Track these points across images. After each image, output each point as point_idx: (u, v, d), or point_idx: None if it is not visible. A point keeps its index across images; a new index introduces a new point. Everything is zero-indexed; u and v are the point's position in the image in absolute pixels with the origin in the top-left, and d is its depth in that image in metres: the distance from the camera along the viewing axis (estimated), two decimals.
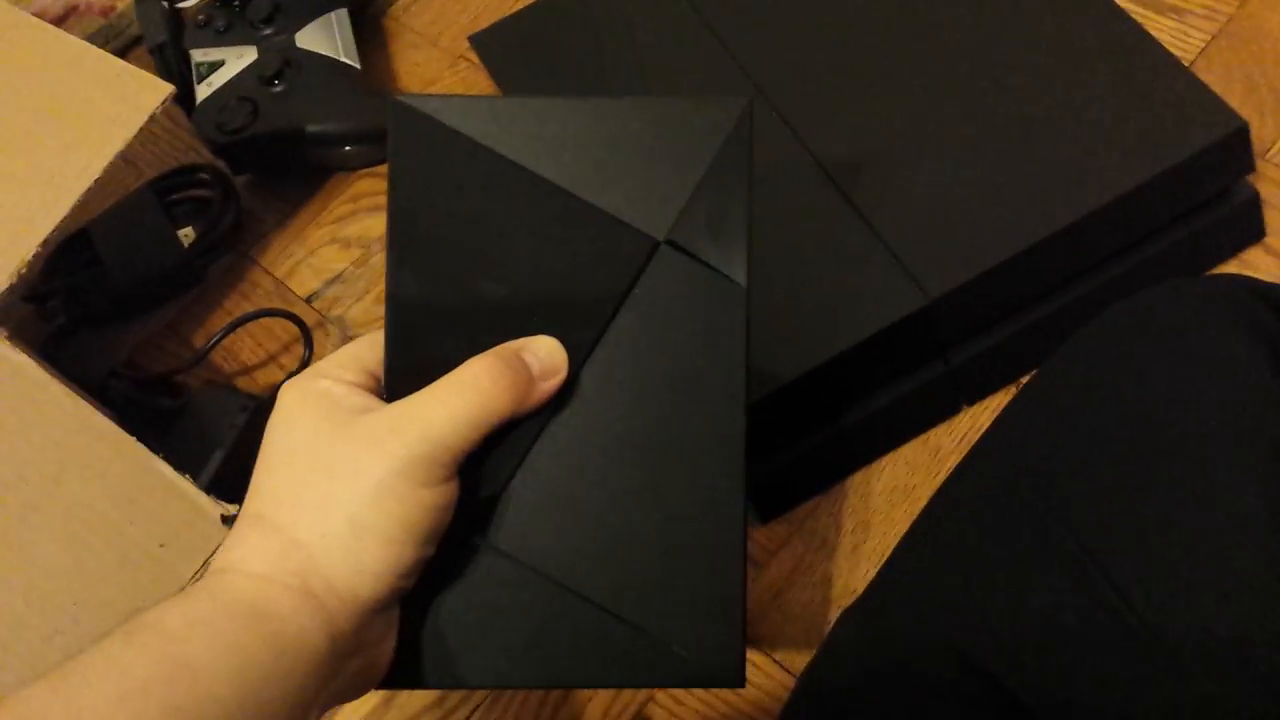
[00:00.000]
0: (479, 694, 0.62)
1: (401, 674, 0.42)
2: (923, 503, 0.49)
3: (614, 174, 0.43)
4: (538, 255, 0.43)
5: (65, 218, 0.62)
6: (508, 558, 0.42)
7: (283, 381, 0.71)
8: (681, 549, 0.42)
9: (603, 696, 0.60)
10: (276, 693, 0.36)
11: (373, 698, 0.62)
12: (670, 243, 0.43)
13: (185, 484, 0.60)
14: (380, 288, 0.78)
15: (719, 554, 0.42)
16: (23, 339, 0.63)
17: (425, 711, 0.62)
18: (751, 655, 0.60)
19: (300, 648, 0.37)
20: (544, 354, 0.42)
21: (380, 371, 0.43)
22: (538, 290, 0.43)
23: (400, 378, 0.42)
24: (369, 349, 0.43)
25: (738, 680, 0.42)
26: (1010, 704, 0.41)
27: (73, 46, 0.69)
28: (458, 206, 0.43)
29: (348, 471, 0.38)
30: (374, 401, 0.41)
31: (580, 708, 0.60)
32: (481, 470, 0.42)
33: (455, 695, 0.62)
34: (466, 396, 0.40)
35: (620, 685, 0.45)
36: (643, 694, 0.60)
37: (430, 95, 0.45)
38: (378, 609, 0.39)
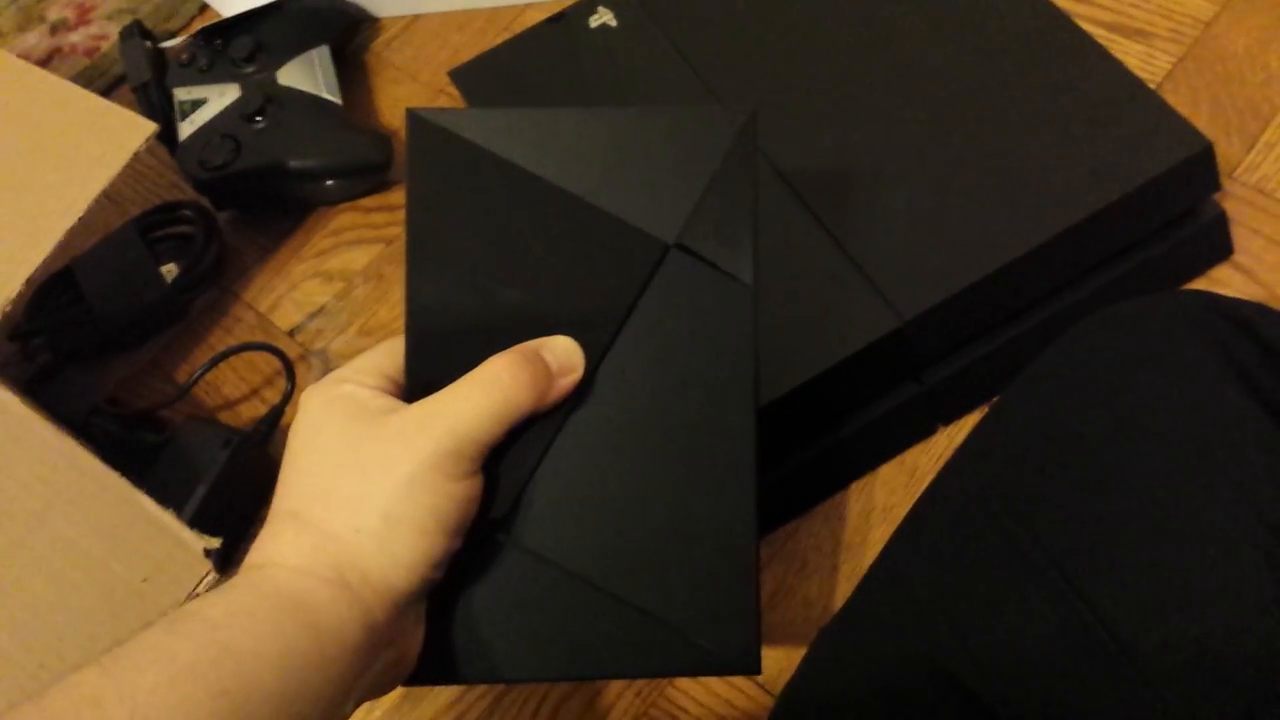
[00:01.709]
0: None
1: (428, 670, 0.43)
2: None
3: (624, 180, 0.45)
4: (552, 260, 0.45)
5: (49, 256, 0.62)
6: (529, 552, 0.43)
7: (279, 406, 0.72)
8: (696, 540, 0.44)
9: (602, 703, 0.61)
10: (317, 679, 0.37)
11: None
12: (680, 246, 0.45)
13: (169, 519, 0.60)
14: (362, 320, 0.78)
15: (732, 544, 0.44)
16: (7, 376, 0.64)
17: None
18: (732, 677, 0.60)
19: (339, 637, 0.38)
20: (561, 352, 0.44)
21: (400, 377, 0.45)
22: (553, 294, 0.45)
23: (421, 381, 0.43)
24: (388, 356, 0.45)
25: (754, 667, 0.43)
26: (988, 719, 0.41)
27: (56, 86, 0.70)
28: (474, 215, 0.45)
29: (379, 467, 0.40)
30: (397, 403, 0.42)
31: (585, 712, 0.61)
32: (503, 466, 0.43)
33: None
34: (490, 392, 0.41)
35: (641, 675, 0.46)
36: (640, 701, 0.60)
37: (446, 109, 0.47)
38: (411, 599, 0.41)
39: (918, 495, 0.63)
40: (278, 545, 0.40)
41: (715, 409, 0.44)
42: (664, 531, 0.44)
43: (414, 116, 0.45)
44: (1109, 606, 0.39)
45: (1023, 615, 0.41)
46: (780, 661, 0.60)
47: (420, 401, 0.41)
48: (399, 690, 0.49)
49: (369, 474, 0.40)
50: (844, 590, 0.62)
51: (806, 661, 0.49)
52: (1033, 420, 0.45)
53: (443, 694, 0.64)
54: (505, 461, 0.43)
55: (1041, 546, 0.42)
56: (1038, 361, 0.47)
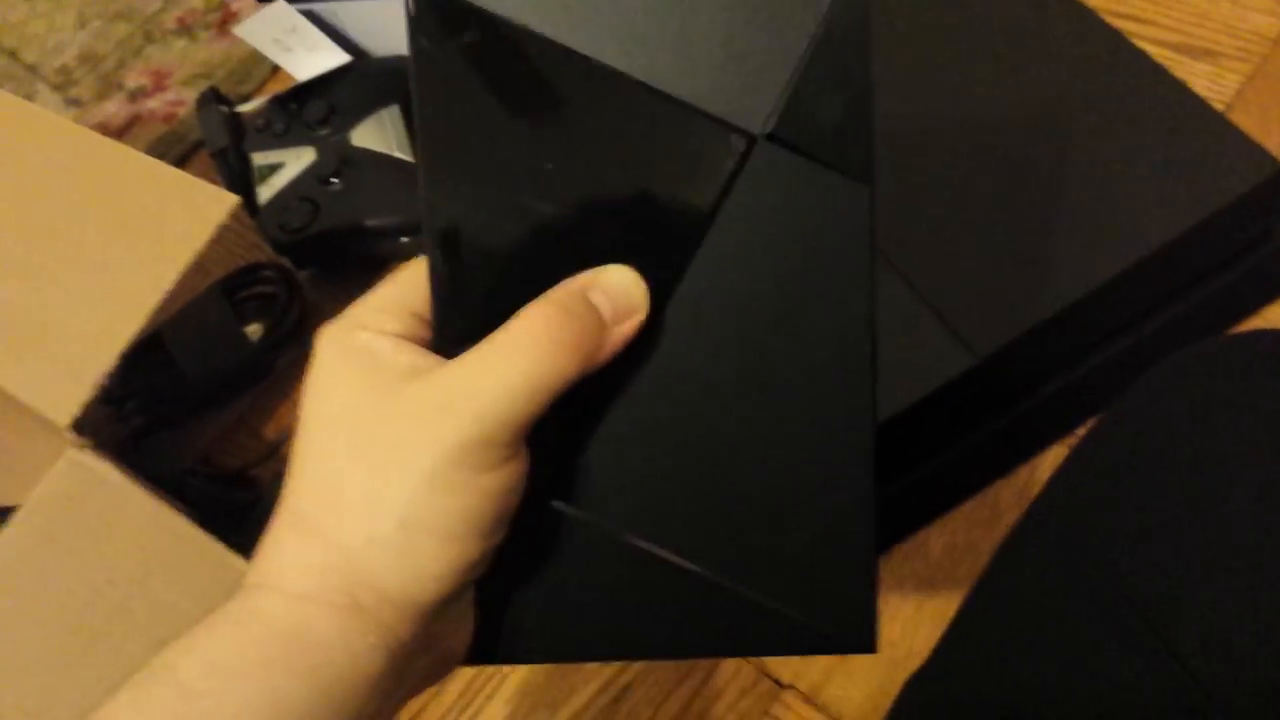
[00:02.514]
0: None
1: (486, 650, 0.37)
2: (984, 559, 0.49)
3: (691, 54, 0.35)
4: (603, 163, 0.35)
5: (140, 330, 0.65)
6: (595, 524, 0.36)
7: None
8: (799, 503, 0.36)
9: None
10: None
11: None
12: (772, 136, 0.35)
13: None
14: None
15: (845, 509, 0.36)
16: (102, 441, 0.66)
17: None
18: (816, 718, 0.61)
19: (352, 677, 0.32)
20: (617, 289, 0.35)
21: (427, 313, 0.36)
22: (606, 208, 0.35)
23: (450, 328, 0.35)
24: (412, 287, 0.36)
25: (870, 645, 0.37)
26: None
27: (140, 162, 0.72)
28: (502, 109, 0.35)
29: (394, 460, 0.33)
30: (421, 356, 0.35)
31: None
32: (555, 430, 0.35)
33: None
34: (524, 360, 0.33)
35: (741, 654, 0.40)
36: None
37: None
38: (442, 609, 0.34)
39: (999, 530, 0.64)
40: (279, 561, 0.34)
41: (820, 349, 0.36)
42: (758, 496, 0.36)
43: None
44: (1192, 651, 0.39)
45: (1102, 659, 0.41)
46: (865, 705, 0.60)
47: (443, 372, 0.34)
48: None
49: (384, 467, 0.33)
50: (928, 631, 0.62)
51: (895, 712, 0.49)
52: (1113, 470, 0.45)
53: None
54: (557, 424, 0.35)
55: (1123, 592, 0.41)
56: (1115, 407, 0.47)
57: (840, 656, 0.62)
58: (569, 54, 0.35)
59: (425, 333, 0.36)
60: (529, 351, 0.33)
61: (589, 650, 0.37)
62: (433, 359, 0.35)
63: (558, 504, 0.36)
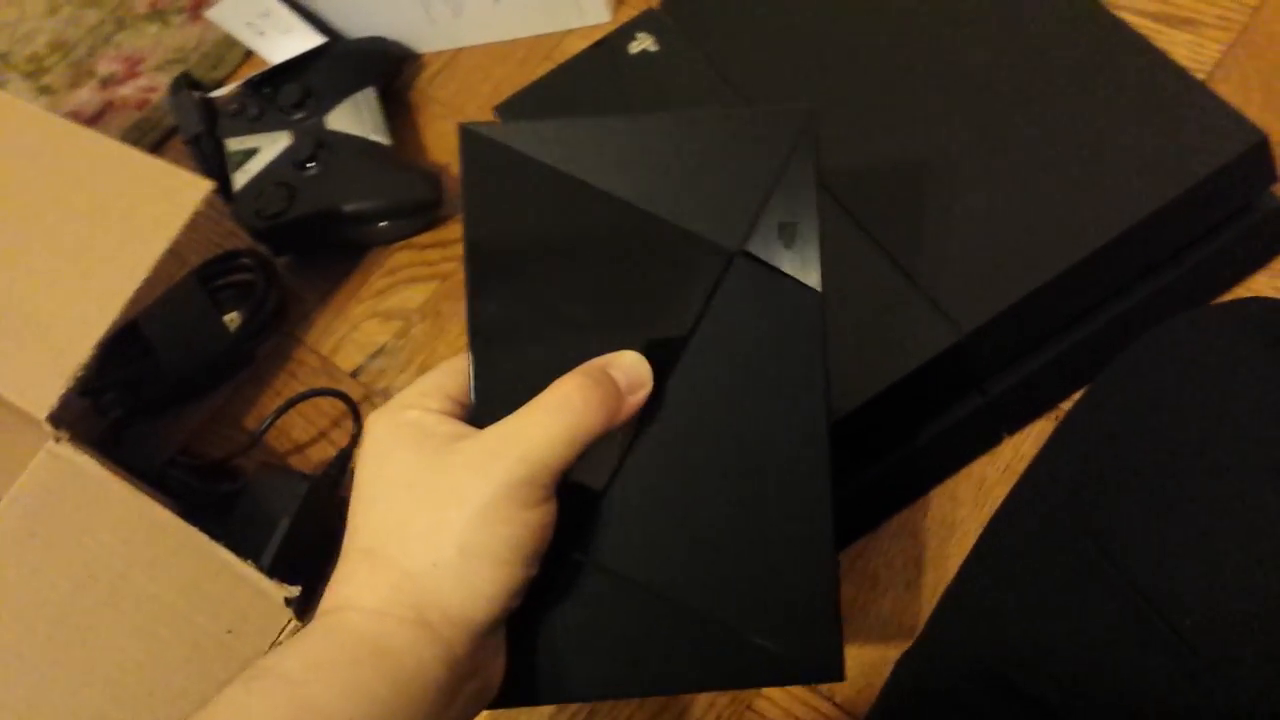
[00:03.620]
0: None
1: (515, 692, 0.43)
2: (972, 535, 0.49)
3: (683, 187, 0.44)
4: (615, 272, 0.44)
5: (116, 320, 0.64)
6: (606, 571, 0.43)
7: (347, 449, 0.73)
8: (774, 550, 0.43)
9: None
10: None
11: None
12: (745, 253, 0.44)
13: (248, 569, 0.61)
14: (423, 357, 0.79)
15: (810, 553, 0.43)
16: (81, 433, 0.65)
17: None
18: (812, 699, 0.60)
19: (421, 681, 0.38)
20: (630, 368, 0.43)
21: (463, 397, 0.44)
22: (618, 307, 0.44)
23: (488, 403, 0.43)
24: (451, 376, 0.44)
25: (838, 674, 0.43)
26: None
27: (112, 149, 0.71)
28: (532, 230, 0.44)
29: (453, 499, 0.39)
30: (463, 428, 0.42)
31: None
32: (576, 486, 0.43)
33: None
34: (560, 416, 0.40)
35: (724, 687, 0.47)
36: None
37: (498, 124, 0.46)
38: (490, 629, 0.40)
39: (987, 506, 0.64)
40: (354, 587, 0.40)
41: (787, 417, 0.43)
42: (739, 542, 0.43)
43: (466, 131, 0.44)
44: (1183, 615, 0.39)
45: (1092, 625, 0.41)
46: (858, 683, 0.60)
47: (490, 428, 0.41)
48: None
49: (443, 506, 0.39)
50: (919, 606, 0.62)
51: (888, 690, 0.49)
52: (1101, 441, 0.45)
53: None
54: (578, 480, 0.43)
55: (1113, 559, 0.41)
56: (1102, 377, 0.47)
57: None
58: (591, 189, 0.44)
59: (461, 412, 0.43)
60: (565, 408, 0.40)
61: (598, 689, 0.44)
62: (473, 429, 0.41)
63: (569, 551, 0.43)
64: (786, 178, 0.44)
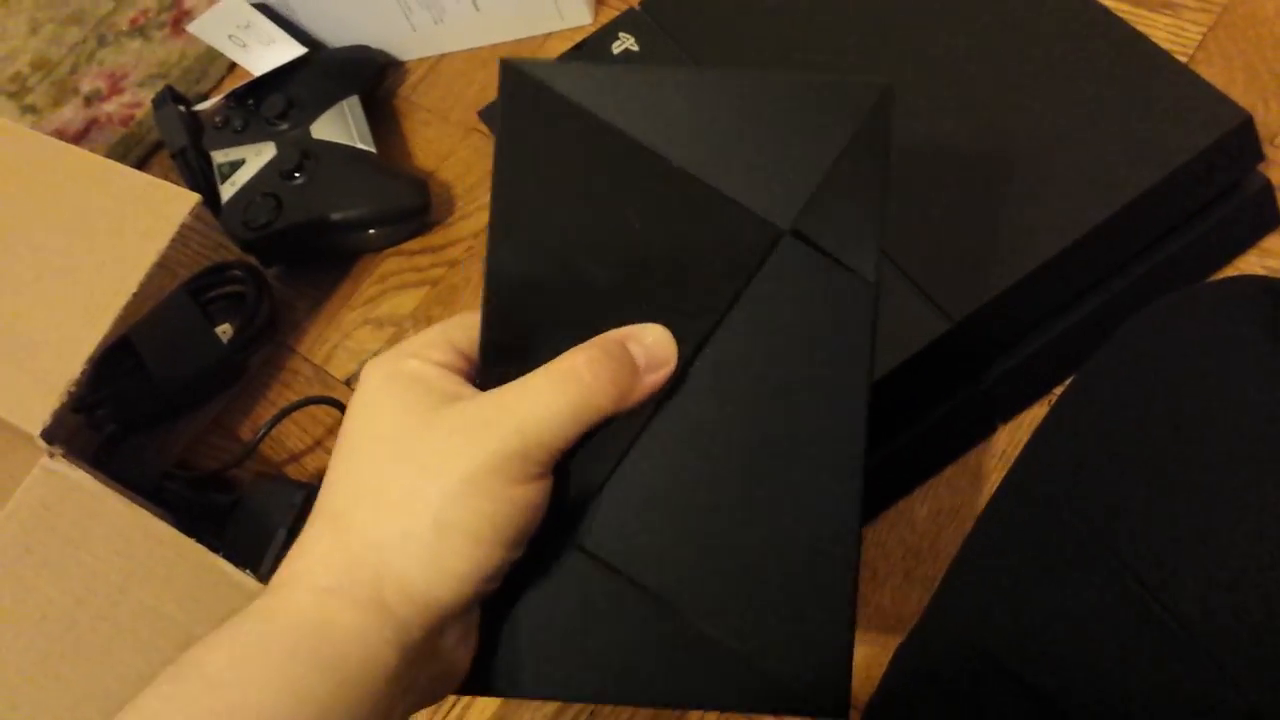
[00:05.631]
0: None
1: (481, 679, 0.40)
2: (969, 524, 0.49)
3: (737, 155, 0.40)
4: (650, 238, 0.40)
5: (107, 334, 0.64)
6: (602, 563, 0.39)
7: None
8: (788, 566, 0.39)
9: None
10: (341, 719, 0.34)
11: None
12: (795, 233, 0.40)
13: (245, 579, 0.61)
14: None
15: (829, 575, 0.39)
16: (75, 449, 0.65)
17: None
18: None
19: (368, 670, 0.35)
20: (651, 343, 0.39)
21: (471, 352, 0.41)
22: (648, 276, 0.40)
23: (495, 361, 0.40)
24: (460, 329, 0.41)
25: (840, 711, 0.39)
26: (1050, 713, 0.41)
27: (98, 165, 0.71)
28: (567, 181, 0.40)
29: (435, 464, 0.36)
30: (465, 387, 0.39)
31: None
32: (578, 467, 0.39)
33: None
34: (566, 390, 0.37)
35: (713, 707, 0.41)
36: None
37: (543, 61, 0.43)
38: (457, 613, 0.37)
39: (982, 495, 0.64)
40: (310, 560, 0.37)
41: (821, 420, 0.39)
42: (752, 552, 0.39)
43: (507, 67, 0.41)
44: (1181, 598, 0.39)
45: (1088, 610, 0.41)
46: (858, 675, 0.60)
47: (489, 393, 0.38)
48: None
49: (424, 472, 0.36)
50: (917, 596, 0.62)
51: (887, 677, 0.49)
52: (1092, 425, 0.45)
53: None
54: (580, 462, 0.39)
55: (1108, 542, 0.41)
56: (1093, 360, 0.47)
57: None
58: (636, 144, 0.40)
59: (467, 368, 0.40)
60: (572, 382, 0.37)
61: (574, 690, 0.40)
62: (474, 389, 0.39)
63: (562, 537, 0.39)
64: (852, 156, 0.40)
